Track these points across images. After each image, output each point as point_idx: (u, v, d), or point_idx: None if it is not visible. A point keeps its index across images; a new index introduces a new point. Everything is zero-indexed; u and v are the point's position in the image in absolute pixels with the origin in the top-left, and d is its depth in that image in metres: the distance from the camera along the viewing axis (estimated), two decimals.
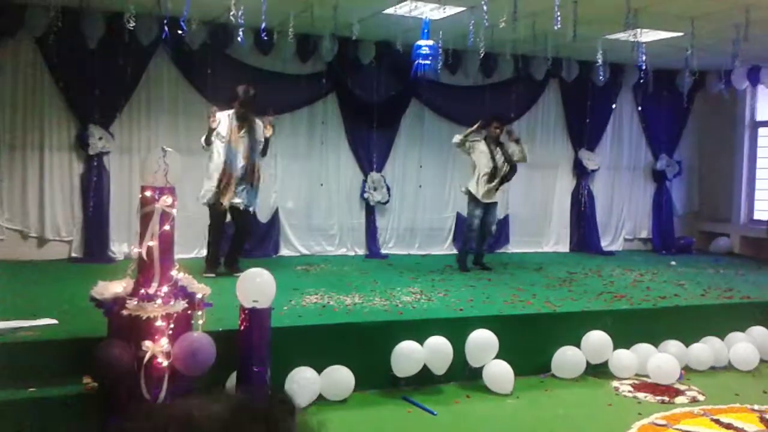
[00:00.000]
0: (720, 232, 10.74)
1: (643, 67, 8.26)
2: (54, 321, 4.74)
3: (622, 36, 7.80)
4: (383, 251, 9.16)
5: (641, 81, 9.48)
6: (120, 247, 7.95)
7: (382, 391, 4.95)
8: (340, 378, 4.75)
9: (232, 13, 6.20)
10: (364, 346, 5.04)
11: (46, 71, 7.67)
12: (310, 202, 8.98)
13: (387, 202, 9.24)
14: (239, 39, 6.73)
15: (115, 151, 8.00)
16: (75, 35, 7.41)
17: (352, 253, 9.10)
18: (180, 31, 6.72)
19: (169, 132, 8.19)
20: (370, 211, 9.21)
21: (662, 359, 5.49)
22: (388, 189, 9.23)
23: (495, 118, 7.92)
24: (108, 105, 7.86)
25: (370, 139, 9.14)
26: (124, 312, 4.01)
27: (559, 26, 6.28)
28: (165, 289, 4.09)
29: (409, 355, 4.95)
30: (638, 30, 7.21)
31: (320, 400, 4.68)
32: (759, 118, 10.58)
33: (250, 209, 7.01)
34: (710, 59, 8.77)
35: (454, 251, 9.54)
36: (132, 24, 6.12)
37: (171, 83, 8.25)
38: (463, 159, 9.63)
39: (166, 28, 7.10)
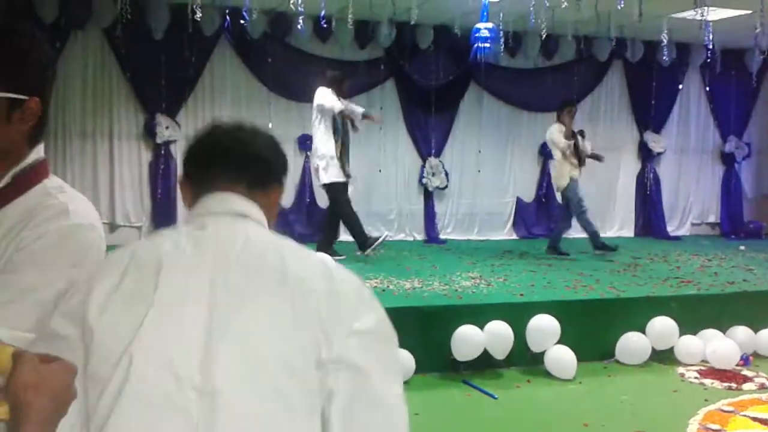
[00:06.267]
0: None
1: (711, 47, 8.03)
2: None
3: (688, 15, 7.56)
4: (442, 236, 9.16)
5: (708, 61, 9.20)
6: None
7: (443, 375, 4.97)
8: (401, 360, 4.79)
9: (292, 2, 6.29)
10: (423, 330, 5.05)
11: (114, 62, 7.92)
12: (368, 187, 9.02)
13: (446, 187, 9.22)
14: (299, 27, 6.81)
15: (182, 139, 8.18)
16: (141, 26, 7.61)
17: (411, 239, 9.12)
18: (242, 21, 6.84)
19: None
20: (428, 196, 9.21)
21: (720, 344, 5.35)
22: (447, 174, 9.20)
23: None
24: (174, 94, 8.06)
25: (429, 125, 9.13)
26: None
27: (623, 5, 6.15)
28: None
29: (469, 339, 4.95)
30: (705, 8, 6.98)
31: None
32: None
33: None
34: None
35: (515, 236, 9.49)
36: (198, 14, 6.26)
37: (233, 72, 8.40)
38: (522, 143, 9.59)
39: (228, 18, 7.26)
